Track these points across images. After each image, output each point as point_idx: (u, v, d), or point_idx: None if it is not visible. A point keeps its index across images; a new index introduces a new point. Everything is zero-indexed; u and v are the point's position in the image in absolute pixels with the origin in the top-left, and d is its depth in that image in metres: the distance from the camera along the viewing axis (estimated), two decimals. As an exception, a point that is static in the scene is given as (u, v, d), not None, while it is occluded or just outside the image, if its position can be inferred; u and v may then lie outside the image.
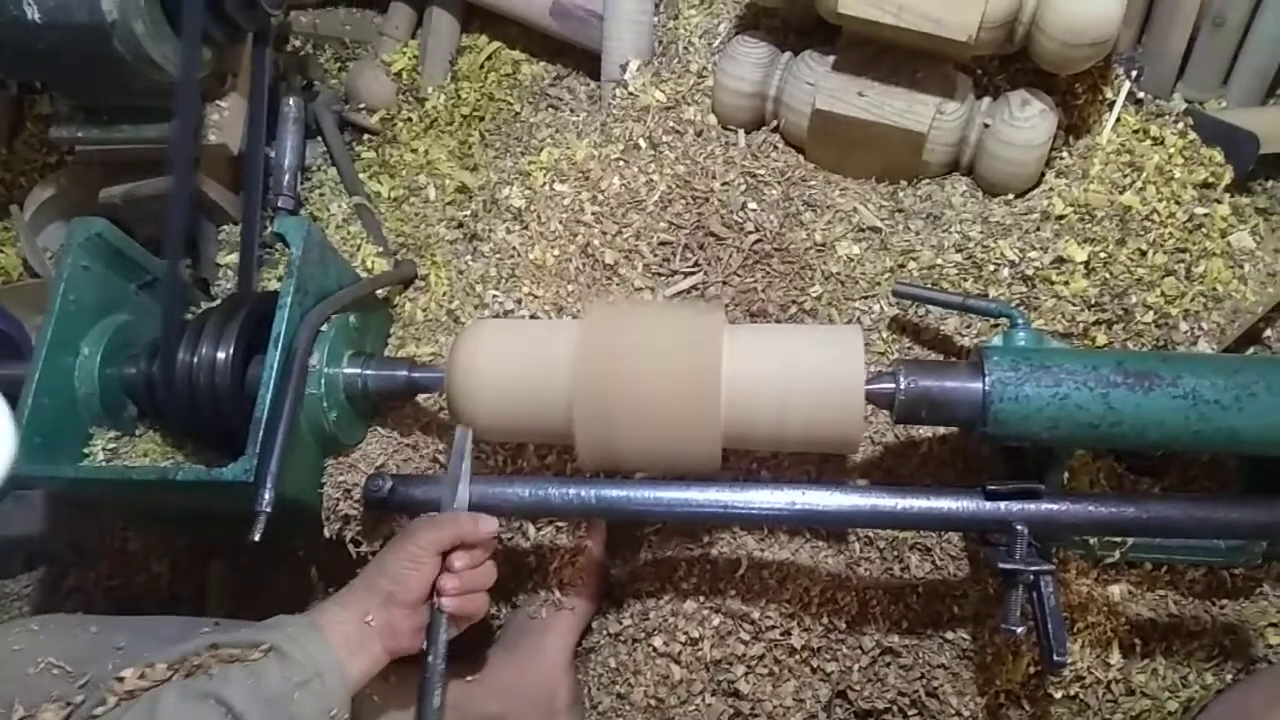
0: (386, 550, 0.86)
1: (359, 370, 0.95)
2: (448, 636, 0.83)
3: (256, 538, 0.82)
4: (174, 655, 0.75)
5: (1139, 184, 1.00)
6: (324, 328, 0.93)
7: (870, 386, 0.82)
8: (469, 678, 0.96)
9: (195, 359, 0.92)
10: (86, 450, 0.98)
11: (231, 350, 0.92)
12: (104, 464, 0.97)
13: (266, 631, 0.77)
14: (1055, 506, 0.82)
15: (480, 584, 0.85)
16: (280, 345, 0.89)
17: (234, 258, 1.18)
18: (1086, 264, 0.97)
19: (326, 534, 0.98)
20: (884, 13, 0.92)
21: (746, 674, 0.97)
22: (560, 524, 1.01)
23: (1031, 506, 0.82)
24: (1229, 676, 0.98)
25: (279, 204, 1.23)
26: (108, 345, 0.98)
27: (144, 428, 1.03)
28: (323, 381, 0.91)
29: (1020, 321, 0.89)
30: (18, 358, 1.04)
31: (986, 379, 0.79)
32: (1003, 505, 0.82)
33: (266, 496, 0.84)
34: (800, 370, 0.82)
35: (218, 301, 1.13)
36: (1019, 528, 0.81)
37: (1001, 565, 0.80)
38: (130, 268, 1.04)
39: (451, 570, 0.83)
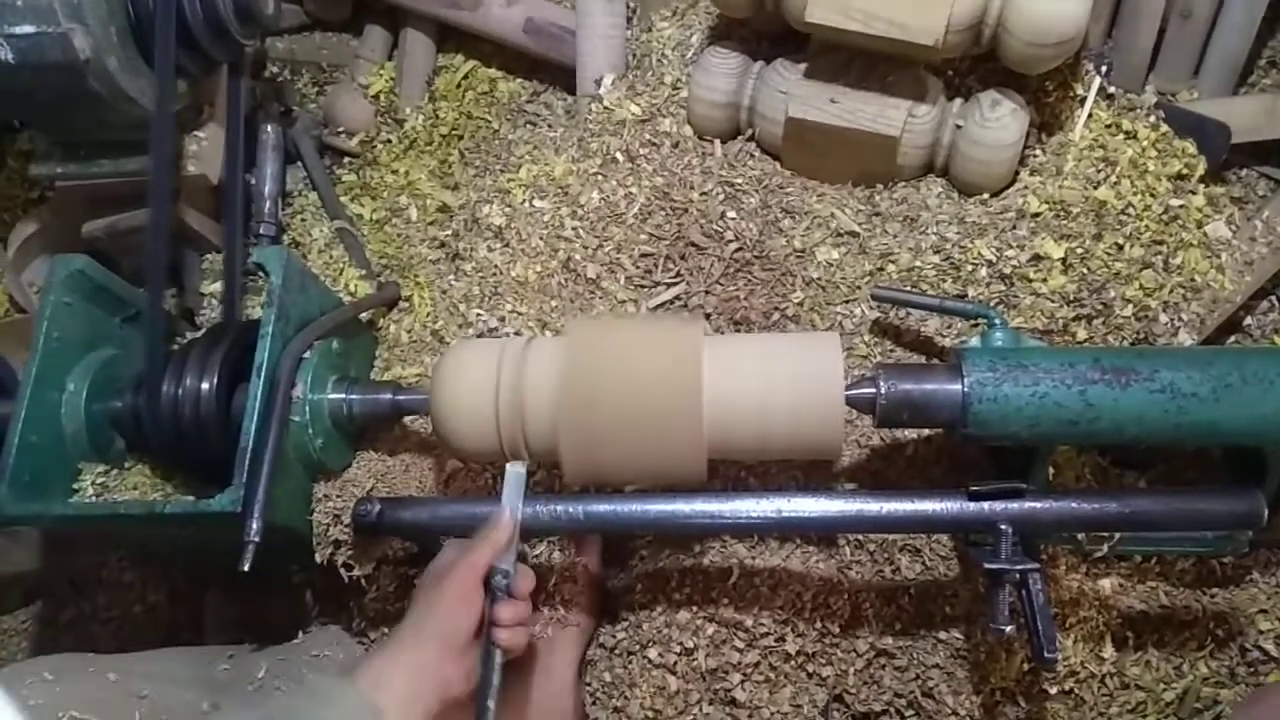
0: (427, 592, 0.83)
1: (344, 395, 0.95)
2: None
3: (246, 567, 0.83)
4: None
5: (1113, 178, 1.00)
6: (307, 354, 0.93)
7: (851, 392, 0.82)
8: None
9: (180, 390, 0.92)
10: (76, 485, 0.98)
11: (215, 380, 0.92)
12: (93, 499, 0.97)
13: (317, 707, 0.73)
14: (1038, 505, 0.83)
15: (526, 616, 0.84)
16: (263, 374, 0.89)
17: (218, 286, 1.18)
18: (1064, 260, 0.97)
19: (318, 559, 0.98)
20: (851, 20, 0.92)
21: (743, 682, 0.97)
22: (555, 541, 1.01)
23: (1015, 506, 0.82)
24: (1222, 666, 0.98)
25: (261, 231, 1.23)
26: (93, 380, 0.98)
27: (133, 461, 1.03)
28: (308, 408, 0.92)
29: (997, 321, 0.89)
30: (4, 395, 1.04)
31: (965, 380, 0.80)
32: (986, 506, 0.83)
33: (255, 526, 0.84)
34: (780, 378, 0.82)
35: (202, 331, 1.14)
36: (1003, 527, 0.81)
37: (987, 565, 0.81)
38: (113, 302, 1.04)
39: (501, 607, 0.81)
